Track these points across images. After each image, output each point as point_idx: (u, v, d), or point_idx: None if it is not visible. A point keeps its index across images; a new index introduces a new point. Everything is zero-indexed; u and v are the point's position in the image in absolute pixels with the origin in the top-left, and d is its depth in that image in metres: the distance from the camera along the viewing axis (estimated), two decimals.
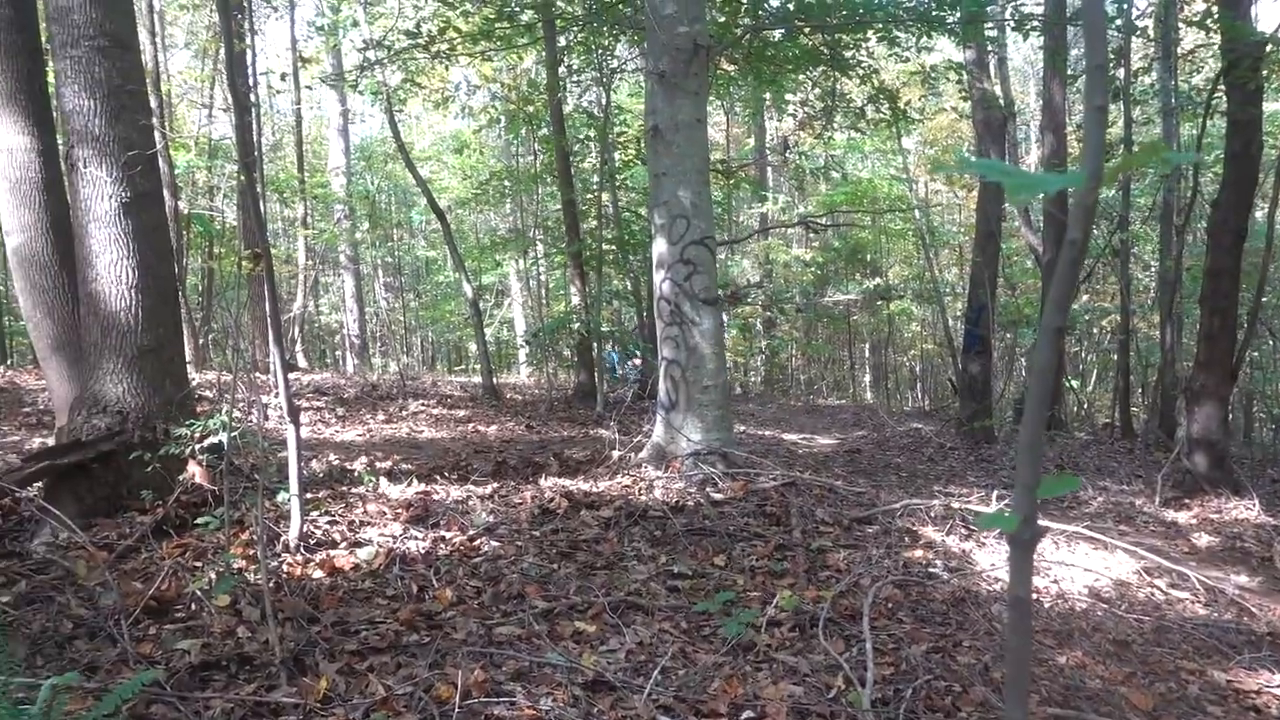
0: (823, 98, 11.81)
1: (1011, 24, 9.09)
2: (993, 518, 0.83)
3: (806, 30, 8.81)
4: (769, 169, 21.40)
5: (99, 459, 4.30)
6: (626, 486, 5.79)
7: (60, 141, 4.89)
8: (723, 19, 9.21)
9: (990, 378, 10.82)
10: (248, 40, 13.02)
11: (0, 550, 3.94)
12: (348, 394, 10.62)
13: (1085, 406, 14.87)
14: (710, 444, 6.19)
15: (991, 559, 4.96)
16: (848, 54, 9.76)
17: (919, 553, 4.93)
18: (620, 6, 8.85)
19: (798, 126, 14.42)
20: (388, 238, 21.74)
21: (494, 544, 4.58)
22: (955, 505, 5.69)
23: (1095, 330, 17.44)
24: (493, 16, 9.24)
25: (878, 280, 19.73)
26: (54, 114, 5.25)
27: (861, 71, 10.05)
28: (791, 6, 8.49)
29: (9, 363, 14.11)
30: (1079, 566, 5.06)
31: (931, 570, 4.67)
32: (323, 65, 17.17)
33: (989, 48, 10.82)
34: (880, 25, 8.61)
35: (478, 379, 14.28)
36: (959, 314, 16.20)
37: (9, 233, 4.93)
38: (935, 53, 13.36)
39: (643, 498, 5.54)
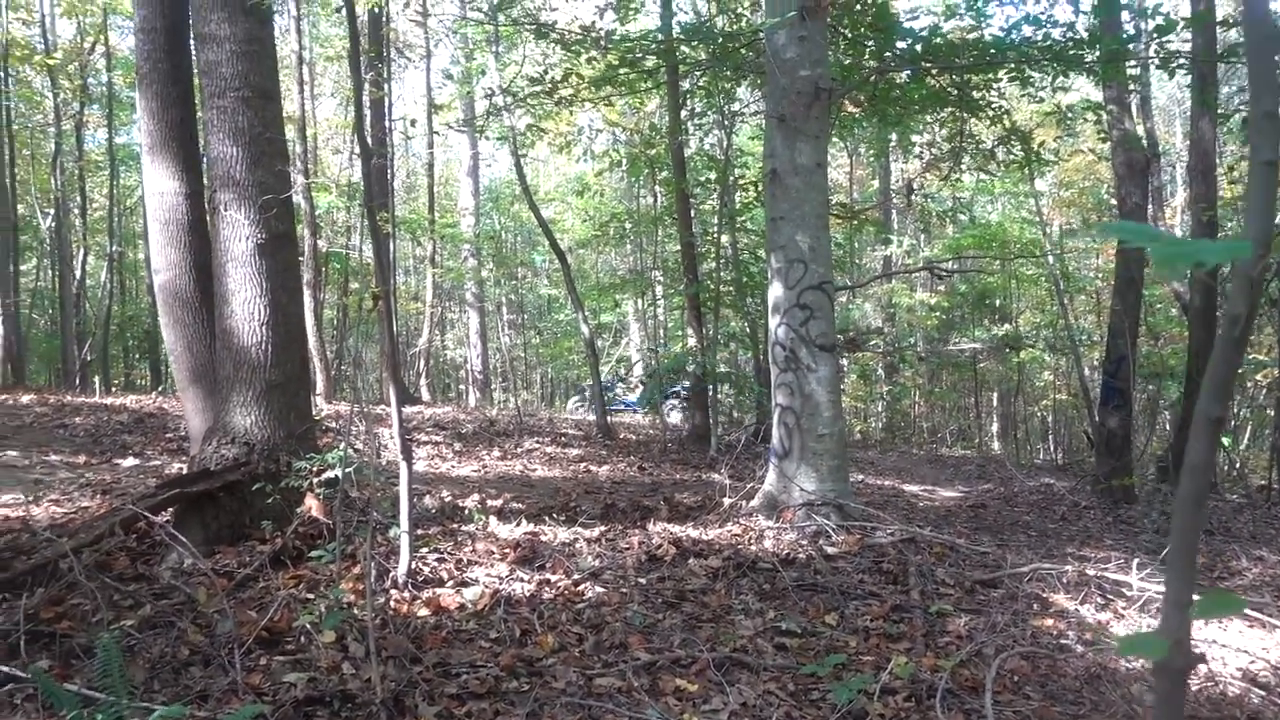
0: (951, 139, 11.48)
1: (1155, 62, 8.63)
2: (1138, 642, 0.71)
3: (934, 71, 8.59)
4: (893, 211, 20.96)
5: (225, 488, 4.48)
6: (736, 535, 5.65)
7: (206, 185, 5.18)
8: (847, 61, 9.09)
9: (1130, 432, 10.14)
10: (384, 89, 13.67)
11: (132, 573, 4.13)
12: (466, 429, 10.83)
13: (1238, 466, 13.77)
14: (824, 494, 5.99)
15: (1131, 633, 4.57)
16: (977, 94, 9.46)
17: (1049, 622, 4.59)
18: (742, 51, 8.85)
19: (924, 168, 14.06)
20: (512, 276, 22.29)
21: (599, 589, 4.52)
22: (1091, 571, 5.30)
23: (1249, 384, 16.20)
24: (616, 63, 9.39)
25: (1007, 327, 18.93)
26: (200, 159, 5.58)
27: (992, 112, 9.71)
28: (919, 48, 8.29)
29: (160, 388, 15.06)
30: (1232, 646, 4.60)
31: (1063, 642, 4.34)
32: (455, 111, 17.86)
33: (1131, 86, 10.29)
34: (1012, 65, 8.31)
35: (592, 417, 14.38)
36: (1096, 364, 15.32)
37: (157, 270, 5.25)
38: (1072, 92, 12.82)
39: (753, 548, 5.39)
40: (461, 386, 24.48)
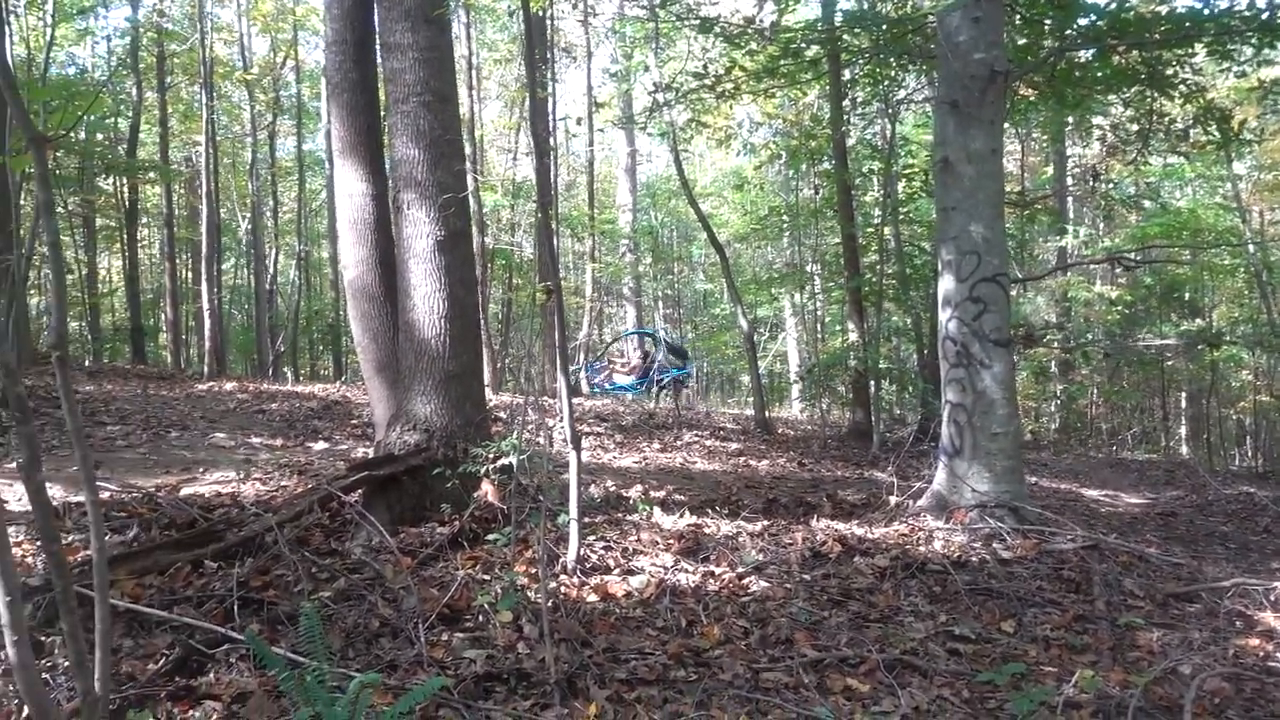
0: (1137, 119, 10.70)
1: None
2: None
3: (1120, 48, 8.02)
4: (1069, 198, 19.75)
5: (408, 472, 4.75)
6: (904, 535, 5.49)
7: (390, 186, 5.49)
8: (1022, 41, 8.63)
9: None
10: (549, 89, 14.06)
11: (326, 548, 4.44)
12: (626, 421, 11.02)
13: None
14: (998, 496, 5.73)
15: None
16: (1169, 71, 8.76)
17: (1254, 641, 4.22)
18: (910, 37, 8.55)
19: (1106, 152, 13.18)
20: (668, 271, 22.49)
21: (763, 584, 4.50)
22: None
23: None
24: (777, 54, 9.28)
25: (1198, 322, 17.49)
26: (384, 163, 5.92)
27: (1185, 89, 8.98)
28: (1104, 24, 7.77)
29: (343, 379, 16.09)
30: None
31: (1271, 664, 3.98)
32: (614, 109, 18.17)
33: None
34: (1210, 38, 7.65)
35: (750, 411, 14.33)
36: None
37: (346, 266, 5.61)
38: (1276, 65, 11.70)
39: (921, 548, 5.23)
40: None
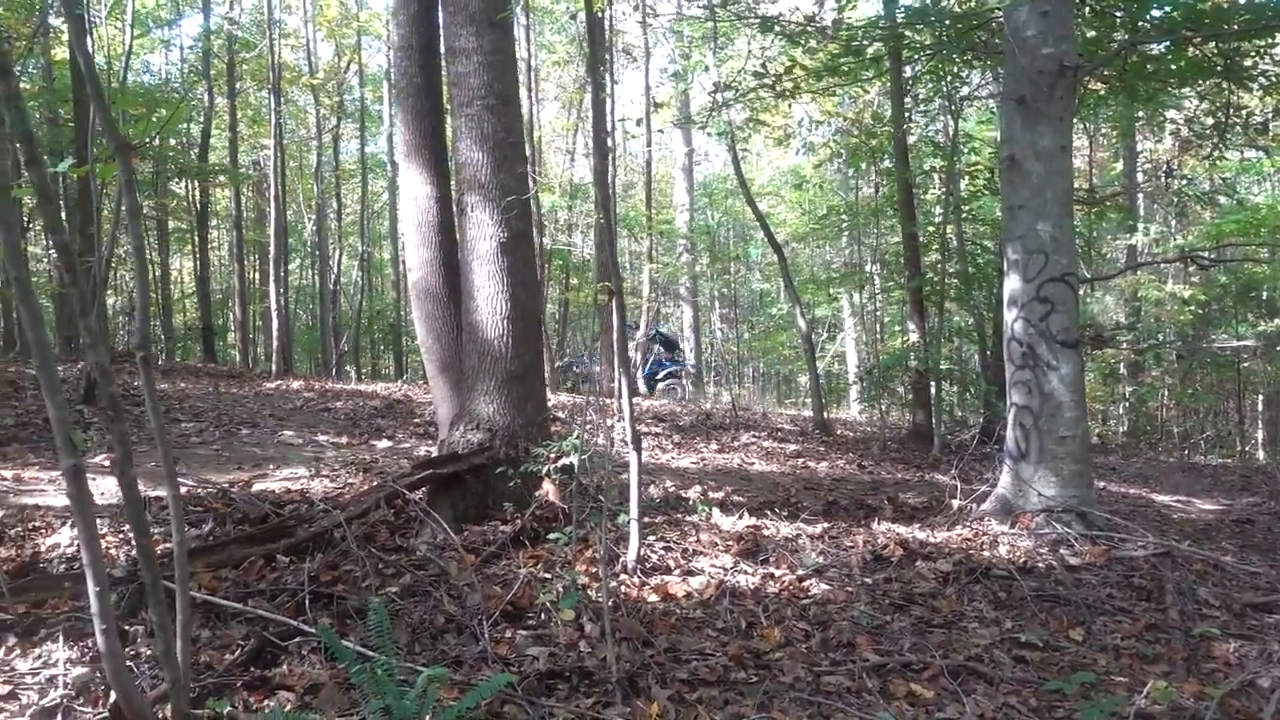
0: (1213, 113, 10.37)
1: None
2: None
3: (1196, 40, 7.79)
4: (1139, 196, 19.20)
5: (471, 471, 4.82)
6: (967, 539, 5.41)
7: (454, 188, 5.58)
8: (1092, 34, 8.43)
9: None
10: (608, 89, 14.13)
11: (392, 545, 4.53)
12: (683, 421, 11.02)
13: None
14: (1065, 501, 5.61)
15: None
16: (1246, 63, 8.48)
17: None
18: (974, 32, 8.42)
19: (1180, 147, 12.79)
20: (725, 271, 22.42)
21: (823, 587, 4.48)
22: None
23: None
24: (837, 51, 9.21)
25: (1277, 322, 16.86)
26: (448, 165, 6.01)
27: (1265, 82, 8.69)
28: (1179, 15, 7.55)
29: (404, 378, 16.36)
30: None
31: None
32: (672, 109, 18.17)
33: None
34: None
35: (808, 412, 14.21)
36: None
37: (411, 268, 5.72)
38: None
39: (985, 553, 5.14)
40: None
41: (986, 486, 6.35)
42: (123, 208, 8.93)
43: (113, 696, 2.84)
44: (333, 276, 20.37)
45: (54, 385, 2.31)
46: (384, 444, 7.65)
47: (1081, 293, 16.99)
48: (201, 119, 17.96)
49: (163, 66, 21.15)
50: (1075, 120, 12.61)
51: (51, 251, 12.62)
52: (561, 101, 23.58)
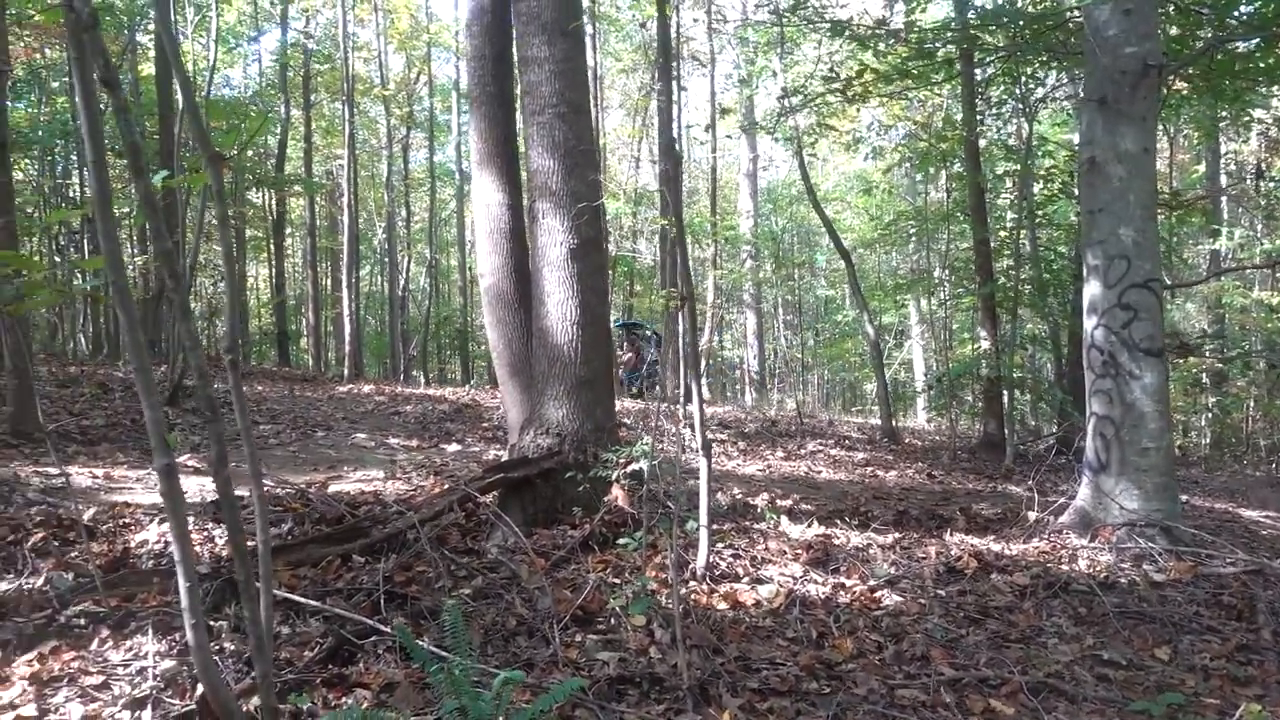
0: None
1: None
2: None
3: None
4: (1223, 199, 18.49)
5: (541, 475, 4.86)
6: (1044, 552, 5.27)
7: (526, 196, 5.64)
8: (1176, 32, 8.17)
9: None
10: (674, 96, 14.14)
11: (463, 547, 4.59)
12: (748, 429, 10.96)
13: None
14: (1149, 514, 5.43)
15: None
16: None
17: None
18: (1051, 33, 8.21)
19: (1266, 148, 12.30)
20: (790, 277, 22.26)
21: (896, 598, 4.40)
22: None
23: None
24: (907, 55, 9.07)
25: None
26: (519, 172, 6.08)
27: None
28: (1268, 11, 7.27)
29: (471, 383, 16.58)
30: None
31: None
32: (737, 114, 18.13)
33: None
34: None
35: (874, 420, 14.02)
36: None
37: (482, 274, 5.79)
38: None
39: (1064, 567, 5.00)
40: (737, 386, 24.80)
41: (1064, 498, 6.18)
42: (208, 217, 9.24)
43: (200, 689, 2.93)
44: (401, 283, 20.78)
45: (150, 388, 2.39)
46: (453, 447, 7.77)
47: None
48: (278, 131, 18.51)
49: (242, 80, 21.86)
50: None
51: (136, 259, 13.13)
52: (626, 109, 23.71)
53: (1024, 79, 10.59)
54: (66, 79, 17.01)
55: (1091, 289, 5.78)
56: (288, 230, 22.75)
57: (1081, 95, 6.34)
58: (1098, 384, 5.72)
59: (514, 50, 5.57)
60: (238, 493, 4.97)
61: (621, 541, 4.33)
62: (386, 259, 20.93)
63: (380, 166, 22.25)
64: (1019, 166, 11.22)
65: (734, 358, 24.90)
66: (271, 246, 19.81)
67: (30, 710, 2.87)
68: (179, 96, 11.72)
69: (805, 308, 25.79)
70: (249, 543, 4.13)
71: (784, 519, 5.51)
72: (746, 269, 19.93)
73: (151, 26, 14.48)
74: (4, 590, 3.63)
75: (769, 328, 24.49)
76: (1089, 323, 5.81)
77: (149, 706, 3.01)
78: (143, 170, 1.79)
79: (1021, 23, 8.80)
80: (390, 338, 20.29)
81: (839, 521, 5.69)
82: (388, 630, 3.46)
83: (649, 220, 20.58)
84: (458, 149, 21.85)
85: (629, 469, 4.54)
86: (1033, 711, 3.36)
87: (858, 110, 12.00)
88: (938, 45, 8.66)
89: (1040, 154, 12.02)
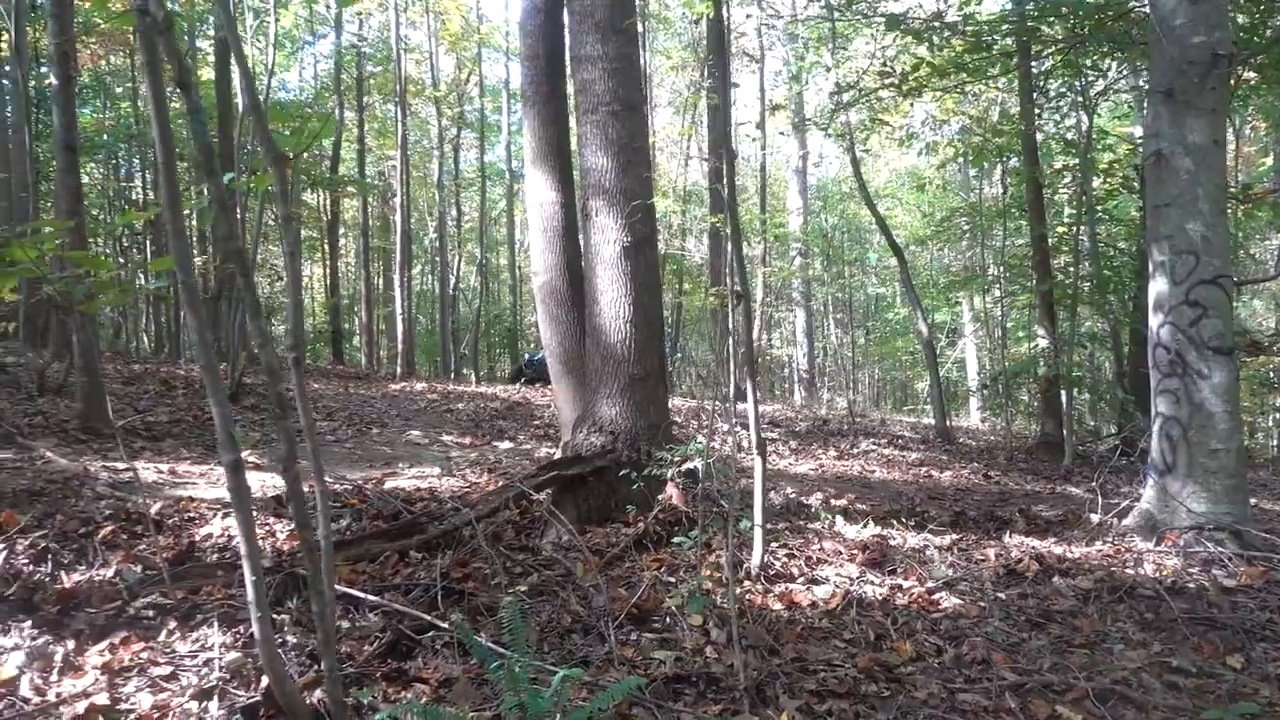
0: None
1: None
2: None
3: None
4: None
5: (595, 473, 4.87)
6: (1108, 556, 5.14)
7: (578, 194, 5.66)
8: (1244, 20, 7.92)
9: None
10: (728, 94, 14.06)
11: (518, 544, 4.62)
12: (799, 427, 10.88)
13: None
14: (1218, 518, 5.26)
15: None
16: None
17: None
18: (1113, 24, 8.01)
19: None
20: (840, 275, 22.06)
21: (955, 600, 4.32)
22: None
23: None
24: (962, 48, 8.91)
25: None
26: (572, 171, 6.10)
27: None
28: None
29: (521, 381, 16.69)
30: None
31: None
32: (787, 111, 17.99)
33: None
34: None
35: (926, 420, 13.83)
36: None
37: (536, 272, 5.82)
38: None
39: (1129, 571, 4.87)
40: (785, 385, 24.64)
41: (1127, 501, 6.03)
42: (265, 218, 9.42)
43: (265, 681, 2.98)
44: (452, 281, 21.00)
45: (217, 385, 2.44)
46: (505, 445, 7.82)
47: None
48: (314, 136, 18.78)
49: (297, 84, 22.27)
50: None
51: (196, 259, 13.44)
52: (674, 107, 23.67)
53: (1084, 71, 10.35)
54: (130, 85, 17.49)
55: (1157, 285, 5.62)
56: (340, 230, 23.13)
57: (1146, 87, 6.17)
58: (1164, 383, 5.56)
59: (567, 49, 5.59)
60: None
61: (676, 540, 4.31)
62: (437, 258, 21.18)
63: (431, 167, 22.52)
64: (1078, 161, 10.98)
65: (782, 356, 24.74)
66: (326, 246, 20.15)
67: (103, 699, 2.94)
68: (238, 100, 11.98)
69: (855, 306, 25.51)
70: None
71: (839, 519, 5.45)
72: (795, 266, 19.79)
73: (209, 32, 14.81)
74: (76, 582, 3.73)
75: (818, 326, 24.29)
76: (1154, 320, 5.65)
77: (215, 697, 3.07)
78: (216, 171, 1.82)
79: (1082, 14, 8.60)
80: (441, 336, 20.52)
81: (895, 522, 5.62)
82: (445, 626, 3.48)
83: (697, 218, 20.53)
84: (507, 148, 22.02)
85: (684, 467, 4.53)
86: (1100, 719, 3.28)
87: (911, 105, 11.82)
88: (994, 38, 8.49)
89: (1100, 148, 11.75)
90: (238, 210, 11.01)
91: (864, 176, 13.31)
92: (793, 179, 20.65)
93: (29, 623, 3.33)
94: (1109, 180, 11.40)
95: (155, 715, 2.90)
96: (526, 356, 17.68)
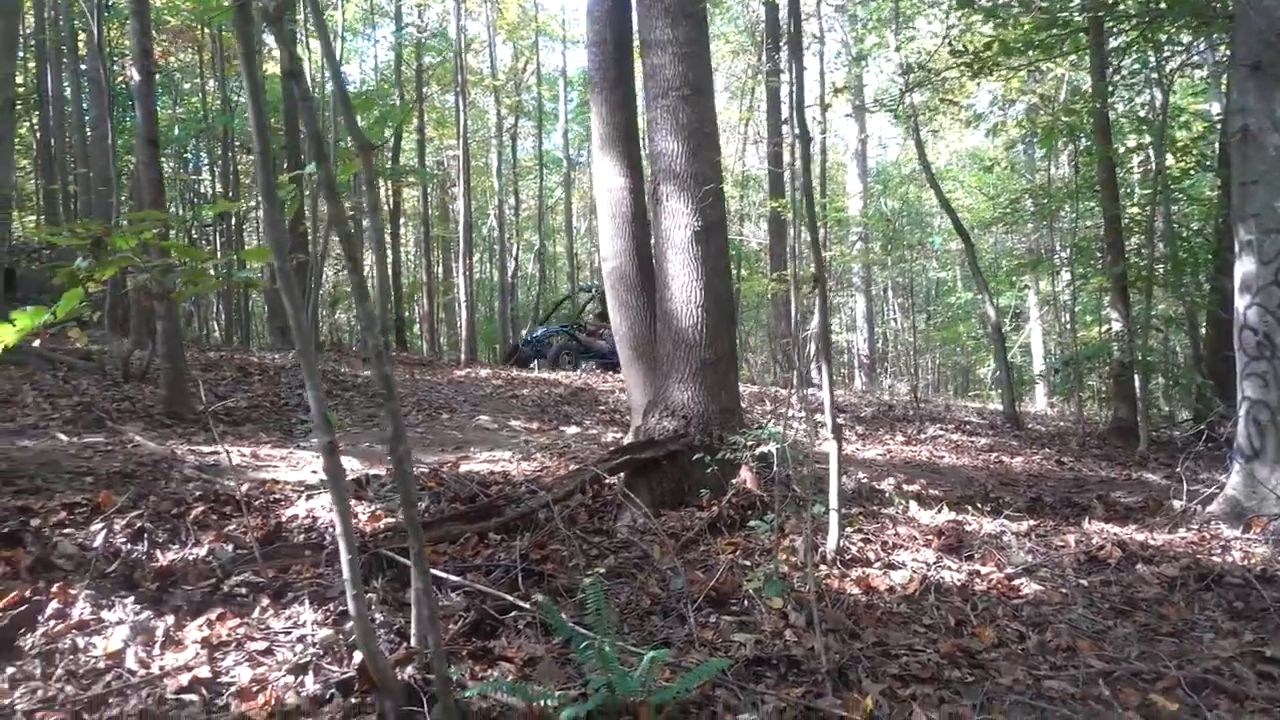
0: None
1: None
2: None
3: None
4: None
5: (668, 457, 4.89)
6: (1193, 543, 5.01)
7: (648, 179, 5.66)
8: None
9: None
10: (790, 78, 13.95)
11: (592, 527, 4.67)
12: (864, 413, 10.78)
13: None
14: None
15: None
16: None
17: None
18: None
19: None
20: (902, 259, 21.76)
21: (1035, 587, 4.26)
22: None
23: None
24: (1031, 25, 8.69)
25: None
26: (640, 157, 6.10)
27: None
28: None
29: (583, 367, 16.81)
30: None
31: None
32: (848, 94, 17.75)
33: None
34: None
35: (992, 405, 13.59)
36: None
37: (605, 258, 5.85)
38: None
39: (1215, 559, 4.75)
40: (845, 370, 24.39)
41: (1210, 488, 5.87)
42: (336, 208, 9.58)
43: (357, 657, 3.06)
44: (511, 269, 21.18)
45: (313, 369, 2.51)
46: (572, 430, 7.89)
47: None
48: (393, 123, 19.07)
49: (358, 76, 22.62)
50: None
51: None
52: (731, 91, 23.51)
53: (1160, 46, 10.03)
54: (198, 80, 17.94)
55: (1244, 266, 5.44)
56: (401, 220, 23.48)
57: (1226, 61, 5.96)
58: (1251, 366, 5.39)
59: (635, 34, 5.59)
60: (375, 472, 5.17)
61: (752, 524, 4.32)
62: (496, 246, 21.39)
63: (490, 155, 22.72)
64: (1152, 139, 10.65)
65: (842, 341, 24.48)
66: (388, 236, 20.49)
67: (204, 672, 3.06)
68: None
69: (917, 290, 25.13)
70: (387, 519, 4.32)
71: (913, 504, 5.40)
72: (855, 251, 19.56)
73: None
74: (171, 560, 3.87)
75: (879, 311, 23.99)
76: (1241, 302, 5.48)
77: (310, 672, 3.17)
78: (325, 157, 1.87)
79: None
80: (500, 323, 20.74)
81: (969, 508, 5.54)
82: (527, 606, 3.54)
83: (756, 203, 20.39)
84: (564, 136, 22.10)
85: (758, 451, 4.53)
86: (1193, 708, 3.21)
87: (977, 85, 11.58)
88: (1068, 14, 8.27)
89: (1175, 125, 11.38)
90: (313, 202, 11.25)
91: (927, 159, 13.09)
92: (852, 162, 20.40)
93: (131, 598, 3.47)
94: (1184, 159, 11.05)
95: (254, 688, 3.00)
96: (524, 334, 17.79)
